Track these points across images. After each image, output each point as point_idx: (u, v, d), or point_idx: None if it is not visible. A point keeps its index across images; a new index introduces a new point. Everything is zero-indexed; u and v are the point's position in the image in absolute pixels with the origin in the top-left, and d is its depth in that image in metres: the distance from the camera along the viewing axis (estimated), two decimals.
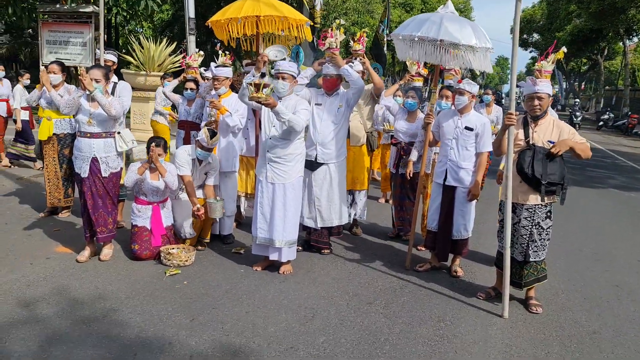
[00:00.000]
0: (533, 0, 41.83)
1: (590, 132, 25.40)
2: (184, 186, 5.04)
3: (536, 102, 4.00)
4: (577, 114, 25.96)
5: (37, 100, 5.75)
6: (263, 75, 4.93)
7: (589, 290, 4.79)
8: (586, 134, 23.86)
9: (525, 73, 51.72)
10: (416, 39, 4.35)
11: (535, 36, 44.16)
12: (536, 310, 4.20)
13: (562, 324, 4.03)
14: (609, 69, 47.37)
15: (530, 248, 4.17)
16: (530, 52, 47.70)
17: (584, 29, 29.72)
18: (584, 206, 8.57)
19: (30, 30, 16.95)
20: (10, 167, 8.50)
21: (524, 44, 46.40)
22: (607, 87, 43.00)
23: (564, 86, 47.13)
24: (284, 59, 4.77)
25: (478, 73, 5.02)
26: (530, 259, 4.18)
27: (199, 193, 5.20)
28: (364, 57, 5.36)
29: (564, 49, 4.94)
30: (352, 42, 5.48)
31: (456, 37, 4.25)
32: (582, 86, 47.83)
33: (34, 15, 12.62)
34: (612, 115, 27.74)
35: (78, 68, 11.23)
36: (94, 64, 9.25)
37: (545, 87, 3.98)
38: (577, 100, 31.68)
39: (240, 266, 4.85)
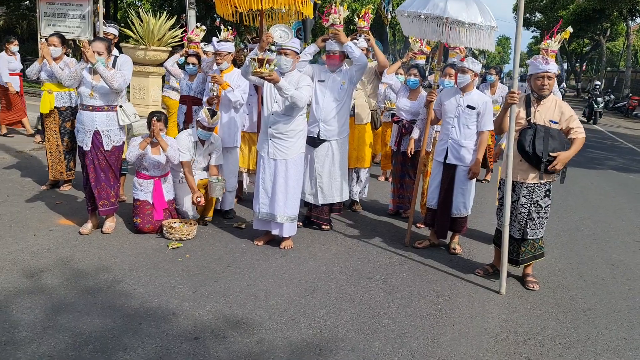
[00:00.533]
0: None
1: None
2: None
3: (546, 81, 4.01)
4: (599, 99, 19.97)
5: (38, 73, 5.73)
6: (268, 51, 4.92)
7: (585, 268, 4.87)
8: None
9: (527, 53, 51.31)
10: (422, 16, 4.33)
11: (538, 15, 43.69)
12: (533, 287, 4.27)
13: (558, 301, 4.11)
14: (611, 50, 47.04)
15: (528, 226, 4.22)
16: (532, 31, 47.27)
17: (587, 9, 29.39)
18: (583, 186, 8.63)
19: (27, 2, 16.75)
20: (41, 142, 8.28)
21: (526, 24, 45.80)
22: (608, 68, 42.74)
23: (565, 67, 46.79)
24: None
25: (478, 52, 4.96)
26: (528, 237, 4.24)
27: (204, 174, 5.22)
28: (368, 34, 5.34)
29: (570, 28, 4.93)
30: (357, 19, 5.44)
31: (462, 15, 4.23)
32: (584, 67, 47.53)
33: None
34: (612, 96, 27.60)
35: (77, 41, 11.16)
36: (93, 37, 9.18)
37: (554, 66, 4.00)
38: (598, 82, 24.93)
39: (241, 240, 4.90)
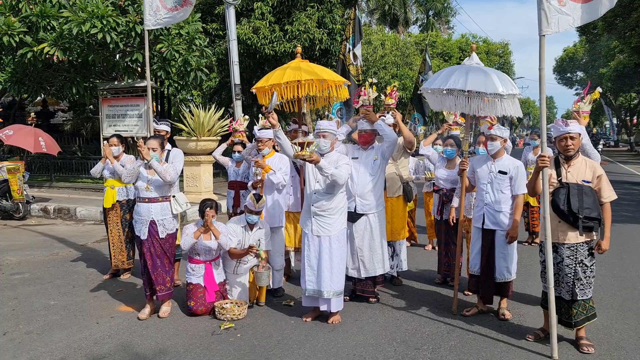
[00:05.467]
0: (574, 39, 41.67)
1: None
2: (238, 263, 5.31)
3: (569, 142, 4.14)
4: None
5: (101, 172, 6.27)
6: (306, 134, 5.30)
7: None
8: None
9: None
10: (445, 91, 4.59)
11: (580, 74, 43.66)
12: (588, 350, 4.15)
13: None
14: None
15: (577, 286, 4.18)
16: (576, 89, 47.05)
17: (629, 64, 29.22)
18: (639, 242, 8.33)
19: (91, 106, 18.30)
20: None
21: (568, 83, 45.85)
22: None
23: (614, 122, 45.92)
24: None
25: (522, 116, 5.11)
26: (578, 298, 4.18)
27: (254, 260, 5.45)
28: (395, 111, 5.64)
29: (599, 89, 5.10)
30: (383, 96, 5.77)
31: (482, 86, 4.47)
32: (634, 120, 46.39)
33: (94, 92, 13.73)
34: None
35: (135, 138, 12.08)
36: (149, 133, 9.96)
37: (575, 127, 4.12)
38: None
39: (290, 318, 5.03)
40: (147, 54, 6.98)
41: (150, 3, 6.26)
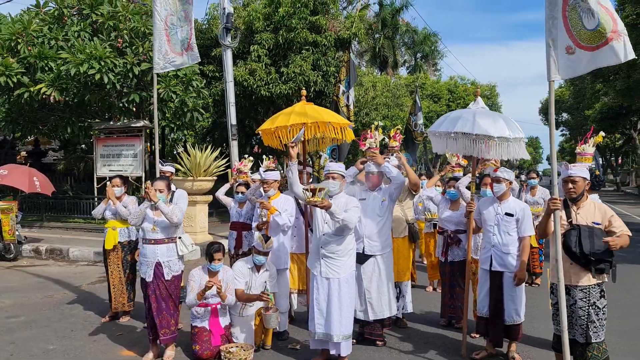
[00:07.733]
0: (560, 81, 42.64)
1: (634, 206, 24.84)
2: (244, 305, 5.25)
3: (570, 185, 4.20)
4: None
5: (102, 213, 6.21)
6: (310, 175, 5.32)
7: None
8: (630, 208, 23.38)
9: (559, 152, 51.73)
10: (452, 135, 4.66)
11: (565, 115, 44.64)
12: None
13: None
14: None
15: (590, 329, 4.15)
16: (562, 131, 48.01)
17: (614, 106, 29.97)
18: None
19: (83, 145, 18.27)
20: None
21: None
22: None
23: (600, 162, 46.75)
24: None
25: (528, 158, 5.13)
26: (592, 340, 4.16)
27: (260, 303, 5.39)
28: (399, 153, 5.71)
29: (603, 133, 5.24)
30: (387, 139, 5.85)
31: (489, 130, 4.55)
32: (619, 161, 47.32)
33: (89, 132, 13.73)
34: None
35: (130, 178, 11.98)
36: (144, 173, 9.91)
37: (578, 171, 4.18)
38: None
39: None
40: (155, 95, 7.01)
41: (159, 47, 6.35)
